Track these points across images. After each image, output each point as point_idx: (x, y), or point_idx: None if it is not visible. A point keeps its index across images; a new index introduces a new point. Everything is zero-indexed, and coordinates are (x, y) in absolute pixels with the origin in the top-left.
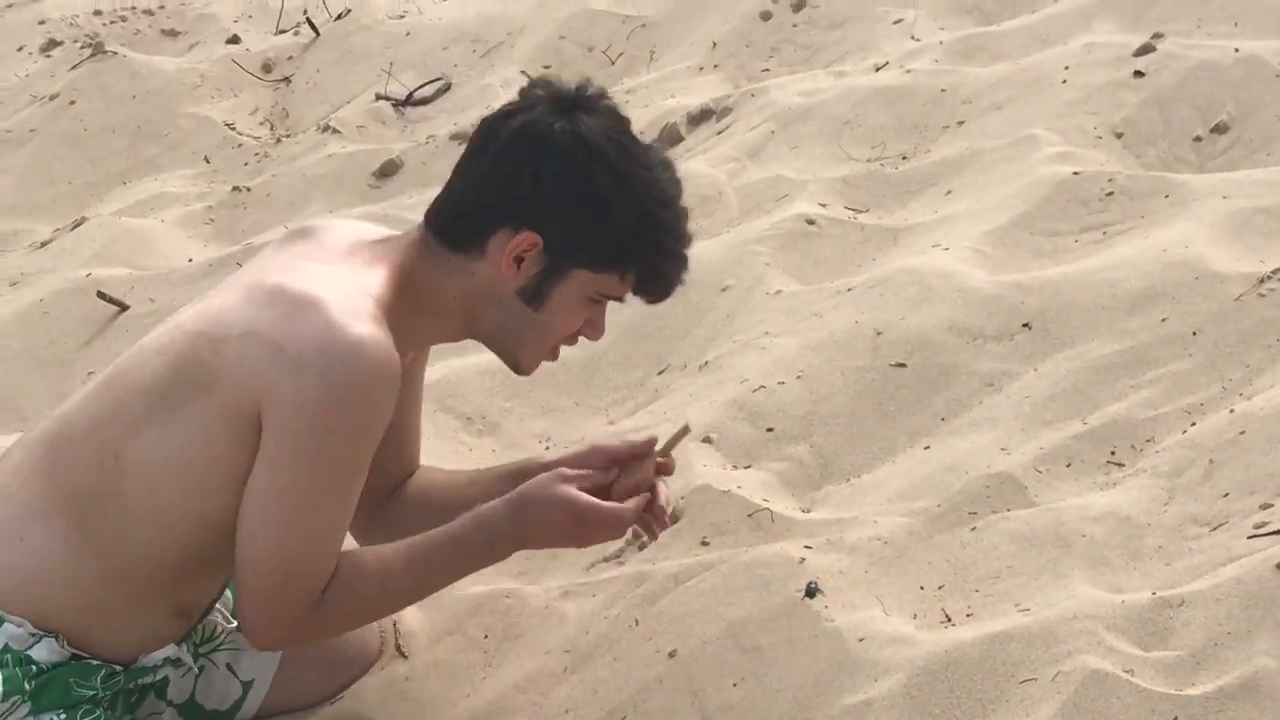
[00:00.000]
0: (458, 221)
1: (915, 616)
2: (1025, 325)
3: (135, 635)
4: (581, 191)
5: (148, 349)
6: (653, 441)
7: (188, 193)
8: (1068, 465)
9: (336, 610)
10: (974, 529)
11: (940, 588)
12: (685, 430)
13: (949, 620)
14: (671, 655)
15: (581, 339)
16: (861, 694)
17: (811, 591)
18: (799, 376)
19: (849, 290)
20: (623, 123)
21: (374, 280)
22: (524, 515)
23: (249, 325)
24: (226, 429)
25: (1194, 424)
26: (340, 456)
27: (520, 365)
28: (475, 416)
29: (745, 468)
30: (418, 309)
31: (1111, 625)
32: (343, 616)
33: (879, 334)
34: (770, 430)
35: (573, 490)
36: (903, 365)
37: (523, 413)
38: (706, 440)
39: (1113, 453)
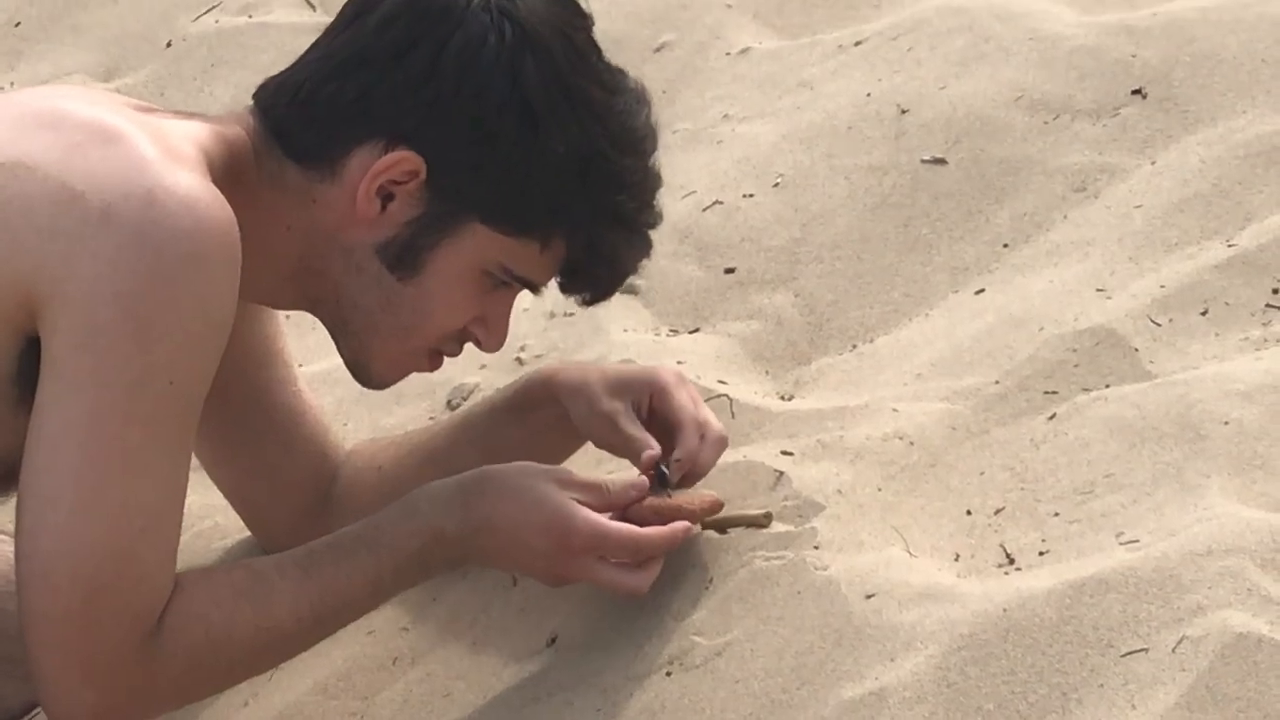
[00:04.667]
0: (301, 120)
1: (957, 558)
2: (1137, 92)
3: None
4: (501, 97)
5: None
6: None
7: None
8: (1203, 313)
9: (184, 651)
10: (1052, 417)
11: (998, 512)
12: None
13: (1011, 562)
14: (552, 643)
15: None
16: (871, 680)
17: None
18: (777, 184)
19: (856, 44)
20: (583, 18)
21: (195, 130)
22: (481, 514)
23: (18, 154)
24: None
25: None
26: (169, 368)
27: (370, 368)
28: None
29: (692, 331)
30: (240, 217)
31: (1269, 562)
32: (196, 662)
33: (904, 113)
34: (731, 271)
35: (571, 503)
36: (942, 161)
37: None
38: (630, 291)
39: (1275, 291)
